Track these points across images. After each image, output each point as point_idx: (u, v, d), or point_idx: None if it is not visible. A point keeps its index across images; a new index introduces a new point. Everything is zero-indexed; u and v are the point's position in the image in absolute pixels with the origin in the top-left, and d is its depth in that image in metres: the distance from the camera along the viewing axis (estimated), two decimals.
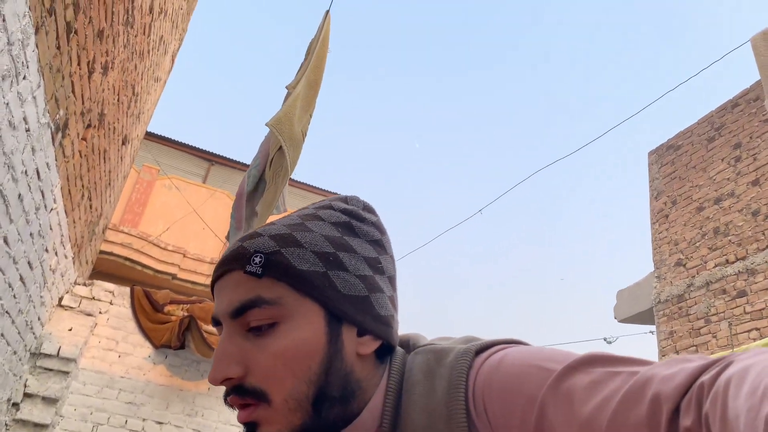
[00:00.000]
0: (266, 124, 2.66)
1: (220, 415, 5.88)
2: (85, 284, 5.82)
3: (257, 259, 0.62)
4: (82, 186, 4.96)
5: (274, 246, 0.64)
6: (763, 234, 7.38)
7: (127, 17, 4.50)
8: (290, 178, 2.77)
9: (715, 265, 7.90)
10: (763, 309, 7.03)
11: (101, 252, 9.73)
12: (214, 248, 12.10)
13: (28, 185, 3.43)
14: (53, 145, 3.69)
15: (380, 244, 0.72)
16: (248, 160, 15.61)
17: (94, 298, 5.78)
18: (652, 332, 9.06)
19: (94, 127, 4.74)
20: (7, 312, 3.86)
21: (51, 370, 5.18)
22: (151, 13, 5.32)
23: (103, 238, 7.58)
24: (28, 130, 3.11)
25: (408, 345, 0.73)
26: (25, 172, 3.31)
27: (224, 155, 15.61)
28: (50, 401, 5.12)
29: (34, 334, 4.91)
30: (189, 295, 7.23)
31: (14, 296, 3.86)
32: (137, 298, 5.86)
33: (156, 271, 10.80)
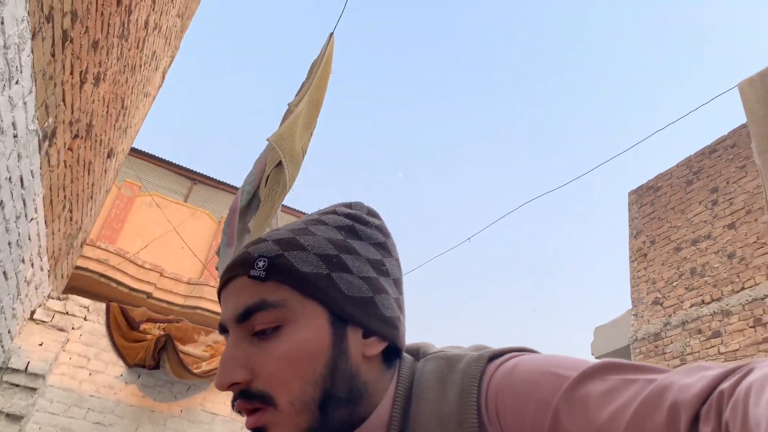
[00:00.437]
0: (267, 139, 2.67)
1: None
2: (59, 298, 5.69)
3: (261, 263, 0.63)
4: (64, 197, 4.89)
5: (278, 250, 0.64)
6: (738, 276, 7.51)
7: (123, 30, 4.50)
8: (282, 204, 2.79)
9: (691, 305, 7.99)
10: (737, 350, 7.11)
11: (76, 267, 9.55)
12: (192, 268, 11.94)
13: (11, 192, 3.37)
14: (39, 153, 3.64)
15: (384, 247, 0.72)
16: (232, 181, 15.49)
17: (67, 312, 5.64)
18: None
19: (82, 137, 4.69)
20: None
21: (17, 385, 5.02)
22: (146, 27, 5.33)
23: (80, 252, 7.44)
24: (15, 136, 3.06)
25: (418, 353, 0.73)
26: (9, 178, 3.25)
27: (207, 174, 15.53)
28: (14, 418, 4.95)
29: (2, 347, 4.77)
30: (166, 314, 7.09)
31: None
32: (113, 314, 5.73)
33: (131, 289, 10.60)
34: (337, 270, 0.65)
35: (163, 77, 8.34)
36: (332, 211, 0.73)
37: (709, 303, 7.74)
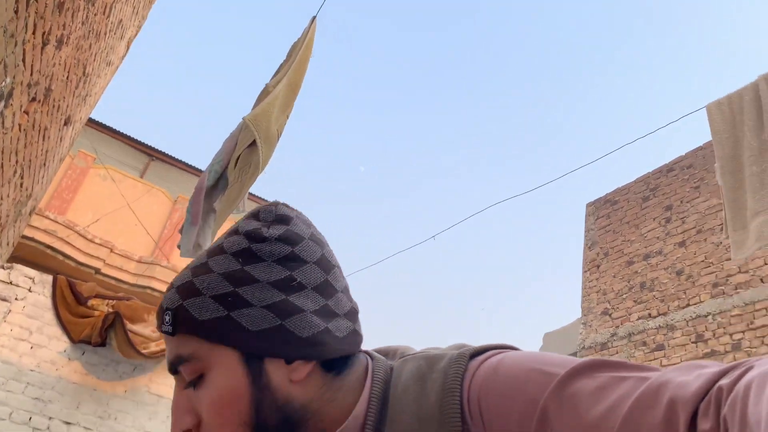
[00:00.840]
0: (244, 119, 2.60)
1: (135, 421, 5.58)
2: (3, 267, 5.46)
3: (167, 318, 0.64)
4: (16, 162, 4.69)
5: (178, 300, 0.64)
6: (685, 293, 7.77)
7: None
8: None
9: (638, 318, 8.24)
10: (678, 363, 7.36)
11: (22, 237, 9.20)
12: (145, 246, 11.65)
13: None
14: None
15: (292, 258, 0.66)
16: (192, 161, 15.18)
17: (11, 282, 5.41)
18: None
19: (39, 101, 4.50)
20: None
21: None
22: None
23: (29, 221, 7.16)
24: None
25: (395, 354, 0.72)
26: None
27: (166, 152, 15.16)
28: None
29: None
30: (115, 292, 6.90)
31: None
32: (60, 287, 5.53)
33: (79, 263, 10.28)
34: (236, 308, 0.62)
35: (128, 47, 8.08)
36: (234, 230, 0.68)
37: (655, 317, 7.99)
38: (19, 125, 4.27)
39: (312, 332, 0.64)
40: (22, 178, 5.07)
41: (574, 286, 9.75)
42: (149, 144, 14.99)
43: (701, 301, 7.49)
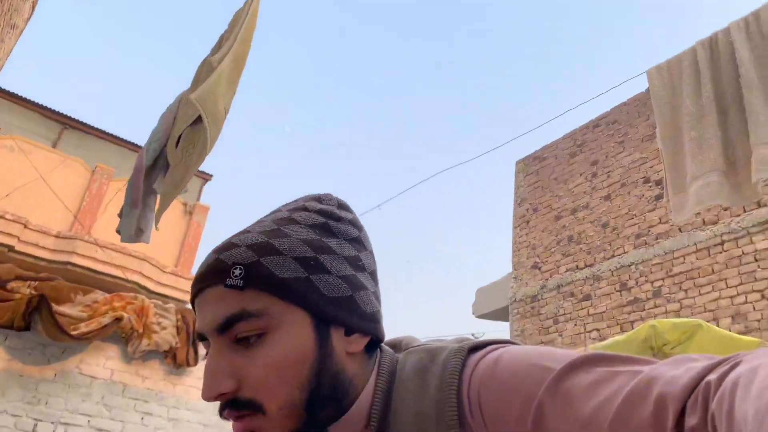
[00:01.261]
0: (190, 98, 2.44)
1: (68, 404, 5.36)
2: None
3: (237, 272, 0.61)
4: None
5: (253, 256, 0.62)
6: (610, 245, 8.15)
7: None
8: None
9: (566, 270, 8.60)
10: (604, 312, 7.78)
11: None
12: (63, 220, 11.03)
13: None
14: None
15: (359, 241, 0.71)
16: (109, 128, 14.40)
17: None
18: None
19: None
20: None
21: None
22: None
23: None
24: None
25: (400, 345, 0.74)
26: None
27: (80, 119, 14.28)
28: None
29: None
30: (36, 272, 6.51)
31: None
32: None
33: None
34: (316, 272, 0.64)
35: (33, 8, 7.47)
36: (302, 208, 0.71)
37: (582, 269, 8.37)
38: None
39: (373, 309, 0.69)
40: None
41: (505, 242, 10.04)
42: (62, 112, 14.07)
43: (625, 252, 7.88)
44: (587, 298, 8.10)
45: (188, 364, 6.27)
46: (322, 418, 0.63)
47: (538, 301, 8.80)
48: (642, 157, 8.21)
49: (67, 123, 14.25)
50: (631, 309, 7.47)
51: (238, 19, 2.73)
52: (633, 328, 5.21)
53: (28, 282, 5.35)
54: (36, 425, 5.23)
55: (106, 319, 5.51)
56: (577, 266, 8.48)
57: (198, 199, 15.12)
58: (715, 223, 7.03)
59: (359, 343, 0.66)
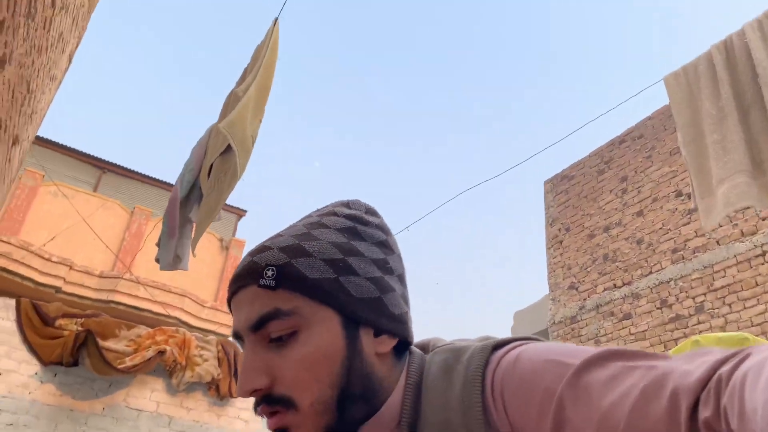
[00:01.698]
0: (219, 127, 2.57)
1: None
2: None
3: (269, 272, 0.64)
4: None
5: (285, 258, 0.65)
6: (646, 261, 8.02)
7: (29, 9, 4.19)
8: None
9: (604, 289, 8.47)
10: (646, 330, 7.61)
11: None
12: (104, 261, 11.36)
13: None
14: None
15: (386, 244, 0.74)
16: (145, 170, 14.84)
17: None
18: None
19: None
20: None
21: None
22: (53, 6, 4.98)
23: None
24: None
25: (427, 347, 0.75)
26: None
27: (117, 163, 14.78)
28: None
29: None
30: (82, 309, 6.72)
31: None
32: (24, 310, 5.36)
33: (37, 284, 9.96)
34: (345, 273, 0.66)
35: (70, 60, 7.85)
36: (332, 213, 0.74)
37: (620, 287, 8.23)
38: None
39: (401, 311, 0.70)
40: None
41: (541, 264, 9.96)
42: (100, 157, 14.60)
43: (663, 268, 7.74)
44: (628, 317, 7.95)
45: (231, 395, 6.35)
46: (352, 416, 0.64)
47: (578, 322, 8.66)
48: (671, 171, 8.12)
49: (105, 167, 14.76)
50: (674, 326, 7.30)
51: (260, 51, 2.86)
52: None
53: (75, 319, 5.53)
54: None
55: (149, 353, 5.65)
56: (614, 285, 8.35)
57: (234, 235, 15.41)
58: (754, 233, 6.88)
59: (388, 344, 0.68)
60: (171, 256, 2.84)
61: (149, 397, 5.89)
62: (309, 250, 0.66)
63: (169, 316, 10.83)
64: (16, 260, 9.79)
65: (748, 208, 2.54)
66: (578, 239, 9.28)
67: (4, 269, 9.71)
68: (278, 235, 0.70)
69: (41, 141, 13.53)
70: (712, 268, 7.11)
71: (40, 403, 5.26)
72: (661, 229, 8.00)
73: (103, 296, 10.60)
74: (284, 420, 0.63)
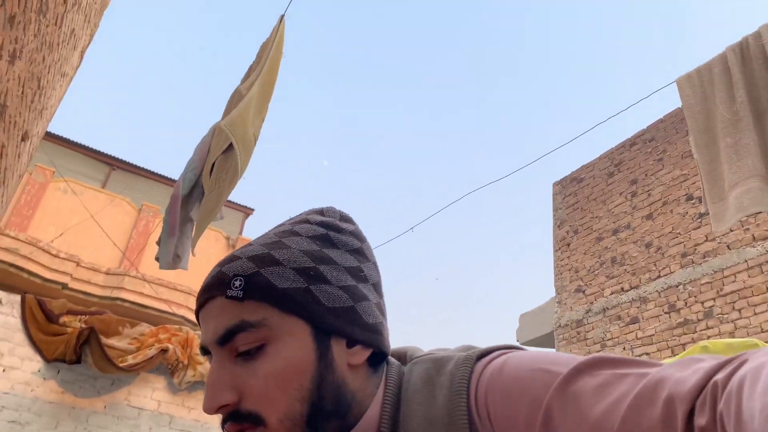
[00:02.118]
0: (219, 125, 2.54)
1: None
2: None
3: (237, 283, 0.62)
4: None
5: (253, 267, 0.63)
6: (655, 265, 7.94)
7: (41, 5, 4.17)
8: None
9: (612, 293, 8.39)
10: (653, 335, 7.53)
11: None
12: (112, 257, 11.39)
13: None
14: None
15: (360, 252, 0.71)
16: (154, 167, 14.90)
17: None
18: None
19: None
20: None
21: None
22: (65, 3, 4.97)
23: None
24: None
25: (405, 357, 0.73)
26: None
27: (126, 160, 14.83)
28: None
29: None
30: (87, 306, 6.72)
31: None
32: (29, 306, 5.36)
33: (45, 280, 9.99)
34: (316, 282, 0.64)
35: (82, 57, 7.85)
36: (304, 220, 0.71)
37: (628, 290, 8.15)
38: None
39: (375, 321, 0.68)
40: None
41: (547, 266, 9.88)
42: (109, 153, 14.65)
43: (671, 272, 7.66)
44: (635, 321, 7.88)
45: None
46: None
47: (584, 325, 8.59)
48: (683, 174, 8.03)
49: (114, 164, 14.81)
50: (682, 331, 7.22)
51: (265, 49, 2.83)
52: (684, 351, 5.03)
53: (79, 316, 5.52)
54: None
55: (152, 351, 5.63)
56: (622, 288, 8.27)
57: (240, 233, 15.43)
58: (765, 238, 6.79)
59: (361, 355, 0.65)
60: (171, 255, 2.81)
61: (150, 395, 5.88)
62: (279, 258, 0.64)
63: (174, 314, 10.84)
64: (24, 256, 9.82)
65: (760, 212, 2.47)
66: (586, 242, 9.21)
67: (13, 265, 9.75)
68: (249, 245, 0.68)
69: (52, 137, 13.59)
70: (722, 272, 7.02)
71: (42, 400, 5.25)
72: (670, 232, 7.91)
73: (109, 293, 10.63)
74: None
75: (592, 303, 8.63)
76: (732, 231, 7.08)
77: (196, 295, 0.67)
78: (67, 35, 5.85)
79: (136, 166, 14.94)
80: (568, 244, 9.54)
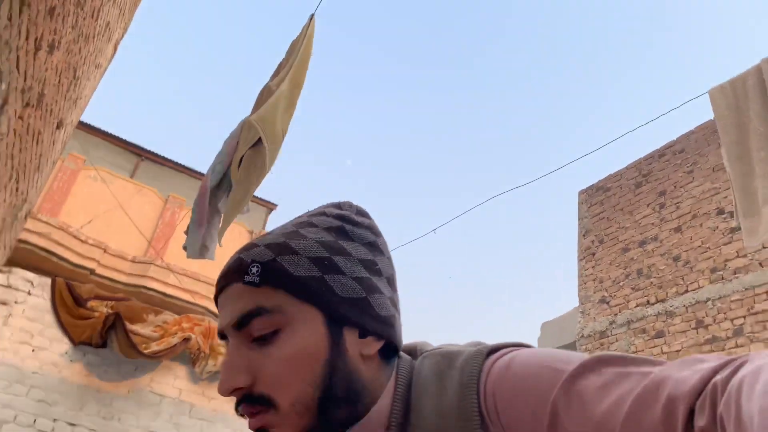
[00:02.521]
0: (251, 120, 2.59)
1: (140, 420, 5.56)
2: (1, 271, 5.41)
3: (254, 269, 0.64)
4: (12, 167, 4.63)
5: (270, 254, 0.65)
6: (683, 279, 7.81)
7: None
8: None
9: (637, 305, 8.27)
10: (680, 351, 7.40)
11: (18, 240, 9.11)
12: (138, 246, 11.57)
13: None
14: None
15: (375, 246, 0.73)
16: (182, 159, 15.12)
17: (10, 286, 5.37)
18: None
19: (33, 106, 4.45)
20: None
21: None
22: None
23: (24, 224, 7.10)
24: None
25: (415, 351, 0.75)
26: None
27: (155, 151, 15.06)
28: None
29: None
30: (113, 292, 6.85)
31: None
32: (59, 290, 5.50)
33: (74, 265, 10.19)
34: (330, 272, 0.65)
35: (115, 49, 8.00)
36: (321, 213, 0.74)
37: (653, 304, 8.03)
38: (14, 130, 4.22)
39: (388, 313, 0.69)
40: (17, 182, 5.01)
41: (571, 275, 9.78)
42: (138, 144, 14.89)
43: (700, 287, 7.52)
44: (660, 335, 7.75)
45: None
46: (334, 418, 0.63)
47: (608, 337, 8.48)
48: (714, 188, 7.88)
49: (143, 155, 15.04)
50: (710, 348, 7.08)
51: (295, 46, 2.87)
52: None
53: (105, 301, 5.64)
54: None
55: (175, 339, 5.73)
56: (648, 301, 8.14)
57: (264, 227, 15.56)
58: None
59: (374, 346, 0.67)
60: (198, 245, 2.86)
61: (173, 383, 5.97)
62: (295, 247, 0.66)
63: (196, 305, 10.97)
64: (55, 241, 10.03)
65: None
66: (612, 252, 9.09)
67: (44, 249, 9.96)
68: (267, 234, 0.70)
69: (85, 126, 13.87)
70: (754, 290, 6.88)
71: (68, 382, 5.38)
72: (699, 246, 7.77)
73: (135, 281, 10.80)
74: (264, 420, 0.62)
75: (616, 315, 8.52)
76: (765, 248, 6.92)
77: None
78: (103, 28, 5.98)
79: (163, 158, 15.16)
80: (593, 254, 9.43)
